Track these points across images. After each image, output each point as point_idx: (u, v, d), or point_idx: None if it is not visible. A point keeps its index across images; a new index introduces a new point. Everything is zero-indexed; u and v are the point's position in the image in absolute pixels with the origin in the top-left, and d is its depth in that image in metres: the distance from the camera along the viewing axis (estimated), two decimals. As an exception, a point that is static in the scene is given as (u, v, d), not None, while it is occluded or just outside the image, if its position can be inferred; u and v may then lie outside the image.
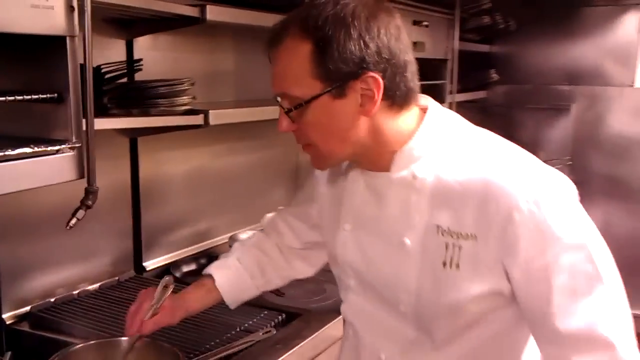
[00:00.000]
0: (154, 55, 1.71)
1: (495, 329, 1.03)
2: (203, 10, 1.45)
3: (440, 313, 1.02)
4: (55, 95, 1.03)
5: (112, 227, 1.79)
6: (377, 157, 1.05)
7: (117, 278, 1.78)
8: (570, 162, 3.53)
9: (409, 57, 1.03)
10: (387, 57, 0.98)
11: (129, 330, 1.20)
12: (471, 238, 0.98)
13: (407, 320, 1.06)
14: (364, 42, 0.96)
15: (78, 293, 1.65)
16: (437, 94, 2.80)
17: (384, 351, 1.11)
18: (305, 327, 1.46)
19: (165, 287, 1.22)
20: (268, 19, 1.67)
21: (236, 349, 1.35)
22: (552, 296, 0.94)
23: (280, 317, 1.53)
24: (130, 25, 1.59)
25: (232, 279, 1.31)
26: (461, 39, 3.05)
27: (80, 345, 1.20)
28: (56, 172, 1.07)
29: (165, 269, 1.90)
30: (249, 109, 1.83)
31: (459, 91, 3.08)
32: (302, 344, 1.40)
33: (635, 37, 3.55)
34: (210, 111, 1.53)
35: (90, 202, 1.19)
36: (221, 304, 1.30)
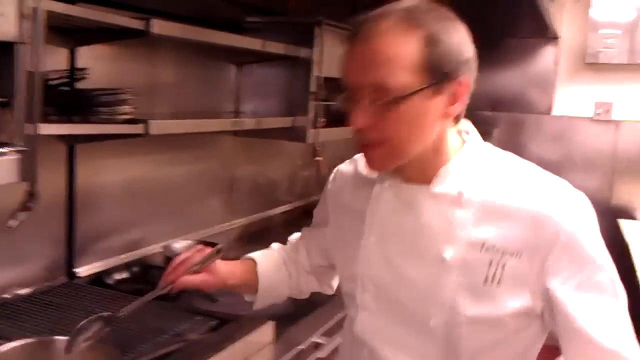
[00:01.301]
0: (97, 65, 1.73)
1: (517, 348, 1.06)
2: (148, 24, 1.48)
3: (473, 329, 1.02)
4: (2, 100, 1.06)
5: (46, 233, 1.79)
6: (427, 166, 1.03)
7: (49, 283, 1.78)
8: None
9: None
10: (473, 63, 1.00)
11: (166, 277, 1.22)
12: (517, 255, 0.99)
13: (434, 337, 1.05)
14: (466, 44, 0.98)
15: (10, 297, 1.65)
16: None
17: None
18: (237, 331, 1.50)
19: (218, 252, 1.25)
20: (214, 36, 1.75)
21: (166, 351, 1.36)
22: (583, 313, 0.98)
23: (212, 322, 1.55)
24: (74, 34, 1.61)
25: (272, 268, 1.33)
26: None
27: (10, 346, 1.18)
28: (3, 173, 1.10)
29: (98, 277, 1.92)
30: (190, 120, 1.87)
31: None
32: (231, 346, 1.43)
33: (553, 68, 3.79)
34: (150, 121, 1.57)
35: (30, 205, 1.21)
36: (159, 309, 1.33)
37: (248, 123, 2.05)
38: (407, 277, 1.05)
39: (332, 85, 2.25)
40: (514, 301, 1.00)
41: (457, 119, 1.03)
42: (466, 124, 1.08)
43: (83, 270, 1.91)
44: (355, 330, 1.14)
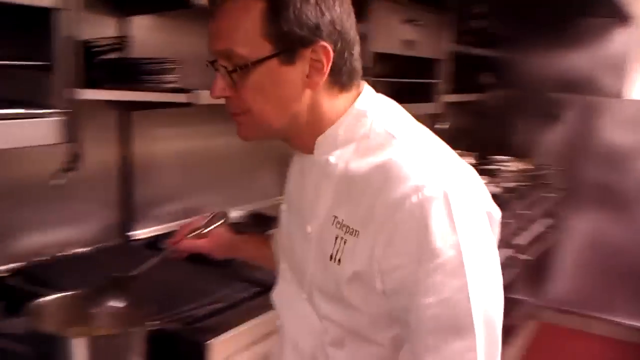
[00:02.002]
0: (146, 36, 1.81)
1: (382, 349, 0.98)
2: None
3: (330, 308, 1.01)
4: (45, 63, 1.13)
5: (101, 196, 1.91)
6: (307, 137, 1.01)
7: (105, 244, 1.89)
8: (562, 170, 3.61)
9: (357, 37, 0.99)
10: (339, 29, 0.94)
11: (168, 242, 1.32)
12: (355, 234, 0.94)
13: (305, 309, 1.05)
14: (320, 9, 0.92)
15: (68, 254, 1.77)
16: (428, 93, 2.89)
17: (301, 341, 1.09)
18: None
19: (216, 217, 1.30)
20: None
21: (206, 311, 1.42)
22: (414, 319, 0.90)
23: (256, 289, 1.56)
24: (123, 4, 1.68)
25: None
26: (458, 41, 3.13)
27: (54, 297, 1.25)
28: (45, 134, 1.18)
29: (152, 240, 2.01)
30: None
31: (452, 92, 3.15)
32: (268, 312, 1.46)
33: (626, 50, 3.62)
34: (197, 90, 1.61)
35: (74, 165, 1.29)
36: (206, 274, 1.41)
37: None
38: (294, 247, 1.09)
39: (386, 60, 2.24)
40: (354, 284, 0.95)
41: (340, 87, 0.98)
42: (363, 87, 1.02)
43: (138, 234, 2.02)
44: (271, 298, 1.19)
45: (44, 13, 1.12)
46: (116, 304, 1.22)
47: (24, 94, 1.18)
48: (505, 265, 1.16)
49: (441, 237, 0.87)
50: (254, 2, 0.91)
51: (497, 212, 0.98)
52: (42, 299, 1.22)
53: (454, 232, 0.87)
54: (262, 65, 0.93)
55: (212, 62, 0.98)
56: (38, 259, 1.71)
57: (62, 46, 1.13)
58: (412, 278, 0.89)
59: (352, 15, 0.98)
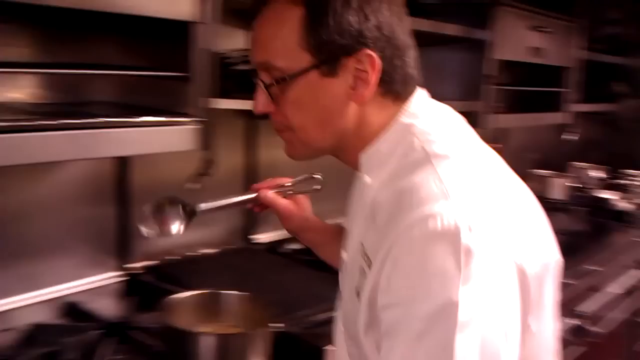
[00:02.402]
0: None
1: None
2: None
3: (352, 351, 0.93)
4: (184, 74, 1.20)
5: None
6: (355, 153, 0.92)
7: (230, 246, 1.98)
8: None
9: (411, 42, 0.90)
10: (387, 34, 0.85)
11: (254, 185, 1.21)
12: (370, 266, 0.84)
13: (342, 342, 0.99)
14: (365, 13, 0.84)
15: (197, 255, 1.87)
16: (556, 102, 2.78)
17: None
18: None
19: (308, 181, 1.22)
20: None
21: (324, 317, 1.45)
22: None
23: None
24: (252, 17, 1.74)
25: None
26: (589, 48, 2.99)
27: (186, 294, 1.33)
28: (182, 141, 1.25)
29: (273, 245, 2.07)
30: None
31: (582, 101, 3.01)
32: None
33: None
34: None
35: (210, 171, 1.36)
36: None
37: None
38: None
39: (511, 68, 2.19)
40: (369, 331, 0.84)
41: (393, 97, 0.89)
42: (415, 96, 0.91)
43: (260, 238, 2.09)
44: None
45: (183, 26, 1.19)
46: (175, 223, 1.16)
47: (164, 102, 1.26)
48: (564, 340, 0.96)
49: (440, 281, 0.72)
50: (291, 9, 0.85)
51: (533, 265, 0.79)
52: (174, 296, 1.29)
53: (456, 277, 0.72)
54: (301, 78, 0.85)
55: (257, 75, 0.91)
56: (170, 257, 1.81)
57: (199, 58, 1.20)
58: (399, 321, 0.76)
59: (405, 19, 0.90)
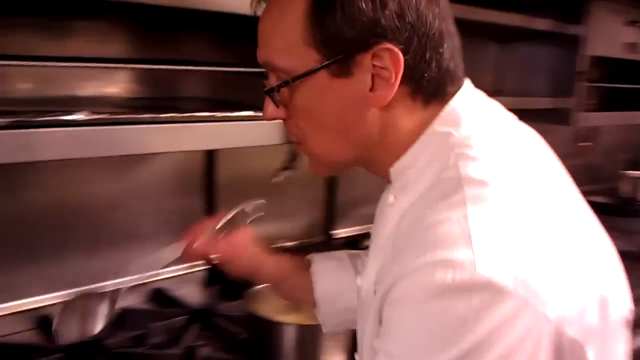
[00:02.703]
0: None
1: None
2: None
3: None
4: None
5: (309, 195, 2.02)
6: (383, 165, 0.78)
7: (309, 240, 2.00)
8: None
9: (449, 28, 0.74)
10: (413, 21, 0.69)
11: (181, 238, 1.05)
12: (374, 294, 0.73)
13: None
14: (382, 1, 0.68)
15: (277, 247, 1.90)
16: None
17: None
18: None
19: (243, 213, 1.05)
20: (477, 13, 1.74)
21: None
22: None
23: None
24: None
25: (332, 267, 1.05)
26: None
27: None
28: (268, 135, 1.27)
29: (353, 240, 2.08)
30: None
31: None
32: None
33: None
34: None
35: (294, 165, 1.38)
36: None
37: (506, 102, 2.02)
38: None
39: (605, 65, 2.10)
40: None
41: (425, 98, 0.74)
42: (458, 95, 0.75)
43: (339, 233, 2.10)
44: None
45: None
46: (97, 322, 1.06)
47: (252, 98, 1.29)
48: None
49: (439, 345, 0.59)
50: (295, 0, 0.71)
51: (578, 325, 0.62)
52: (257, 286, 1.32)
53: (455, 348, 0.58)
54: (308, 79, 0.72)
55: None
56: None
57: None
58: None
59: (441, 1, 0.73)
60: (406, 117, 0.74)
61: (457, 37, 0.75)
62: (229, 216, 1.03)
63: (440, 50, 0.72)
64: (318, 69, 0.71)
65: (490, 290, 0.57)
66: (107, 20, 1.35)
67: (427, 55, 0.71)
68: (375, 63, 0.70)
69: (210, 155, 1.73)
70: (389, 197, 0.79)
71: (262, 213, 1.07)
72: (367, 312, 0.77)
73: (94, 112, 1.02)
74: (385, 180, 0.82)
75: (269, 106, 0.78)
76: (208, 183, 1.75)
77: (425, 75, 0.72)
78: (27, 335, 1.43)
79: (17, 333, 1.42)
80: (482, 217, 0.62)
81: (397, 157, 0.76)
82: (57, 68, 1.08)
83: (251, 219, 1.05)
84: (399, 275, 0.63)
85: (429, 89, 0.73)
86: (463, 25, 0.79)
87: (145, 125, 1.10)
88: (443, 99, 0.75)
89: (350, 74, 0.71)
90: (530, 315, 0.58)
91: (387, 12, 0.68)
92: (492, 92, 0.85)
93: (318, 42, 0.70)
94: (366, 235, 2.10)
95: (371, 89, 0.71)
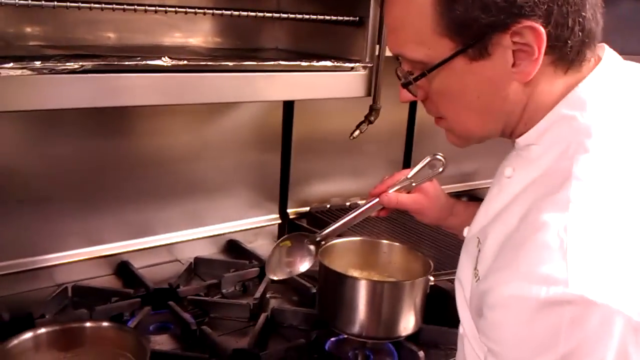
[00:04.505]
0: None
1: None
2: None
3: None
4: (357, 18, 1.19)
5: (384, 153, 1.98)
6: (520, 135, 0.77)
7: (383, 199, 1.97)
8: None
9: None
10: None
11: (372, 191, 1.11)
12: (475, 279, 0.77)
13: None
14: None
15: (349, 204, 1.88)
16: None
17: None
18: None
19: (428, 167, 1.10)
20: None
21: None
22: None
23: None
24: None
25: None
26: None
27: (343, 240, 1.33)
28: (349, 87, 1.24)
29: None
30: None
31: None
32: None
33: None
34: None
35: (372, 118, 1.35)
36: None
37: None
38: None
39: None
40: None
41: (567, 63, 0.71)
42: (598, 67, 0.72)
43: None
44: None
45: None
46: (301, 266, 1.14)
47: (335, 49, 1.26)
48: None
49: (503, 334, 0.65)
50: None
51: None
52: (332, 241, 1.31)
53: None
54: (446, 67, 0.71)
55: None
56: (321, 205, 1.85)
57: (376, 2, 1.17)
58: None
59: None
60: (547, 87, 0.72)
61: None
62: (418, 168, 1.09)
63: (583, 12, 0.69)
64: (454, 56, 0.70)
65: (581, 305, 0.59)
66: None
67: (570, 22, 0.68)
68: (516, 40, 0.68)
69: (289, 110, 1.72)
70: (507, 169, 0.79)
71: (442, 170, 1.10)
72: (469, 254, 0.82)
73: (177, 59, 1.01)
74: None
75: (402, 90, 0.78)
76: (285, 139, 1.74)
77: (569, 42, 0.70)
78: (107, 280, 1.48)
79: (97, 277, 1.47)
80: (580, 229, 0.62)
81: (530, 128, 0.75)
82: (142, 16, 1.07)
83: (435, 173, 1.10)
84: (501, 281, 0.65)
85: (572, 55, 0.71)
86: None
87: (227, 73, 1.08)
88: (580, 65, 0.72)
89: (489, 55, 0.69)
90: (622, 325, 0.59)
91: None
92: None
93: (450, 30, 0.69)
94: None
95: (514, 65, 0.70)
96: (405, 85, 0.77)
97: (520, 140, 0.77)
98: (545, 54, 0.69)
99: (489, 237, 0.76)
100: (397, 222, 1.73)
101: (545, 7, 0.66)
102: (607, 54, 0.75)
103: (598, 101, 0.71)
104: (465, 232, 0.90)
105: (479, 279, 0.75)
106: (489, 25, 0.67)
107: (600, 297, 0.58)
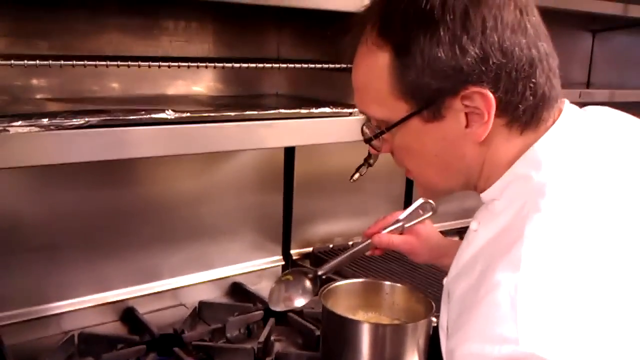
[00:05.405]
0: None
1: None
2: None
3: None
4: (343, 66, 1.22)
5: (386, 191, 2.00)
6: (482, 188, 0.80)
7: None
8: None
9: (542, 50, 0.73)
10: (498, 60, 0.69)
11: (365, 232, 1.17)
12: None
13: None
14: (460, 46, 0.69)
15: (352, 243, 1.89)
16: None
17: None
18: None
19: (422, 209, 1.15)
20: (569, 2, 1.66)
21: None
22: None
23: None
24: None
25: None
26: None
27: (346, 282, 1.36)
28: (348, 132, 1.26)
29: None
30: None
31: None
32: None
33: None
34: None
35: (372, 161, 1.37)
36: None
37: (599, 95, 1.94)
38: None
39: None
40: None
41: (522, 125, 0.74)
42: (553, 135, 0.75)
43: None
44: None
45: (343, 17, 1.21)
46: (300, 300, 1.17)
47: (333, 94, 1.29)
48: None
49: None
50: (377, 54, 0.74)
51: None
52: (334, 284, 1.32)
53: None
54: (403, 126, 0.76)
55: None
56: (324, 245, 1.87)
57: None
58: None
59: (527, 22, 0.71)
60: (502, 147, 0.76)
61: (552, 56, 0.75)
62: (410, 211, 1.15)
63: (533, 79, 0.72)
64: (408, 117, 0.75)
65: None
66: (195, 19, 1.38)
67: (519, 87, 0.72)
68: (466, 103, 0.72)
69: (290, 153, 1.75)
70: (473, 223, 0.82)
71: (432, 213, 1.15)
72: (443, 312, 0.86)
73: (180, 111, 1.04)
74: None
75: (375, 142, 0.83)
76: (287, 180, 1.76)
77: (520, 106, 0.73)
78: (112, 326, 1.49)
79: (103, 324, 1.48)
80: (530, 288, 0.63)
81: (491, 185, 0.78)
82: (146, 68, 1.11)
83: (424, 216, 1.15)
84: (461, 340, 0.67)
85: (525, 118, 0.74)
86: (555, 15, 0.76)
87: (229, 123, 1.11)
88: (537, 126, 0.75)
89: (442, 117, 0.74)
90: None
91: (468, 58, 0.69)
92: (584, 85, 0.80)
93: (405, 94, 0.74)
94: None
95: (466, 126, 0.74)
96: (367, 142, 0.83)
97: (484, 195, 0.80)
98: (497, 116, 0.72)
99: (455, 291, 0.79)
100: (403, 260, 1.74)
101: (493, 74, 0.70)
102: (565, 112, 0.78)
103: (553, 160, 0.73)
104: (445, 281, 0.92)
105: (448, 333, 0.78)
106: (439, 90, 0.71)
107: (551, 354, 0.60)
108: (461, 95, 0.71)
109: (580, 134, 0.77)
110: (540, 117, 0.75)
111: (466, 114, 0.73)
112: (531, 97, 0.73)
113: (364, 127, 0.84)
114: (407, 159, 0.82)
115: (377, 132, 0.80)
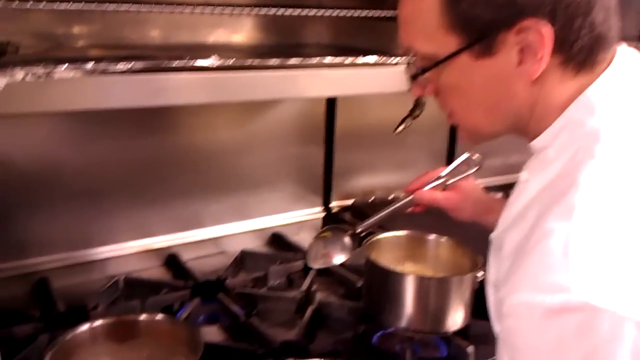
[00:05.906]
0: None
1: None
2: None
3: None
4: (393, 14, 1.18)
5: (428, 145, 1.98)
6: (533, 136, 0.77)
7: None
8: None
9: None
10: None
11: (407, 188, 1.15)
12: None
13: None
14: None
15: (393, 197, 1.88)
16: None
17: None
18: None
19: (465, 164, 1.13)
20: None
21: None
22: None
23: None
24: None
25: None
26: None
27: (390, 234, 1.34)
28: (393, 82, 1.23)
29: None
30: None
31: None
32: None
33: None
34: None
35: (417, 112, 1.34)
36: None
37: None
38: None
39: None
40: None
41: (576, 66, 0.71)
42: (609, 69, 0.72)
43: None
44: None
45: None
46: (339, 257, 1.17)
47: (376, 43, 1.26)
48: None
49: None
50: None
51: None
52: (378, 235, 1.31)
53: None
54: (452, 62, 0.72)
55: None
56: (364, 198, 1.86)
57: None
58: None
59: None
60: (556, 88, 0.73)
61: None
62: (453, 166, 1.12)
63: (591, 15, 0.69)
64: (459, 52, 0.72)
65: (586, 311, 0.59)
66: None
67: (576, 23, 0.69)
68: (520, 38, 0.69)
69: (331, 104, 1.72)
70: (523, 173, 0.79)
71: (477, 168, 1.13)
72: (492, 265, 0.83)
73: (222, 58, 1.02)
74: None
75: (414, 84, 0.80)
76: (328, 132, 1.75)
77: (576, 44, 0.70)
78: (156, 271, 1.52)
79: (147, 269, 1.51)
80: (584, 236, 0.62)
81: (543, 129, 0.75)
82: (186, 15, 1.09)
83: (468, 172, 1.13)
84: (512, 289, 0.65)
85: (580, 57, 0.71)
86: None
87: (271, 71, 1.10)
88: (592, 68, 0.72)
89: (493, 53, 0.71)
90: (632, 330, 0.59)
91: None
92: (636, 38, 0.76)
93: (455, 26, 0.70)
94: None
95: (519, 63, 0.71)
96: (413, 77, 0.79)
97: (536, 143, 0.77)
98: (552, 54, 0.69)
99: (505, 242, 0.76)
100: (444, 216, 1.72)
101: (550, 7, 0.67)
102: (622, 54, 0.75)
103: (608, 105, 0.71)
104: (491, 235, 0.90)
105: (498, 285, 0.77)
106: (493, 22, 0.68)
107: (605, 303, 0.59)
108: (516, 28, 0.68)
109: (636, 78, 0.74)
110: (596, 59, 0.72)
111: (519, 50, 0.70)
112: (587, 36, 0.70)
113: (409, 65, 0.80)
114: (453, 99, 0.79)
115: (424, 68, 0.76)
